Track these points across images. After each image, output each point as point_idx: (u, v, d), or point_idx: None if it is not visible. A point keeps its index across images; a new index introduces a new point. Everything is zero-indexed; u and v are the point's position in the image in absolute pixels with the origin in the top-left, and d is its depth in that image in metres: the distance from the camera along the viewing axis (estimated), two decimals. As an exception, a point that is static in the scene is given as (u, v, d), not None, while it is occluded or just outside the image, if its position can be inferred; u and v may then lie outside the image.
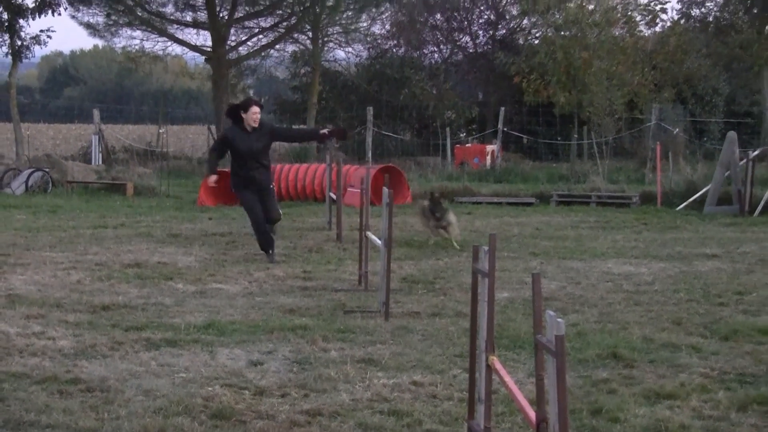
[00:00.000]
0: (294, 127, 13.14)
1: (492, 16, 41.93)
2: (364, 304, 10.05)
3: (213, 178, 13.39)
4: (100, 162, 30.00)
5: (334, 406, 6.50)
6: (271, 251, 12.88)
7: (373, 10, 36.36)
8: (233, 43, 36.40)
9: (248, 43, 37.21)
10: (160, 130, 36.77)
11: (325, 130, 13.56)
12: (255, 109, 12.70)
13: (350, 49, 40.65)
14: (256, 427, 6.09)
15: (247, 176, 12.76)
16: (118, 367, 7.47)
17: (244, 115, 12.67)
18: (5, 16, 31.03)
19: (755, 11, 31.03)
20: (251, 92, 44.40)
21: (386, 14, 39.41)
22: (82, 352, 7.90)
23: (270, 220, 12.96)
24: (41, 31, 32.04)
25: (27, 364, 7.53)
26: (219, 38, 34.67)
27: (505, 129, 32.63)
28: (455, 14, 41.80)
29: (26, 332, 8.61)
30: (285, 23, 35.81)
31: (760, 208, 19.91)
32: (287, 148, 33.15)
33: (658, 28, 35.73)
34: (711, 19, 32.96)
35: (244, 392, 6.82)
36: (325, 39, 36.76)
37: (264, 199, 12.84)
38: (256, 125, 12.67)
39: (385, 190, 9.62)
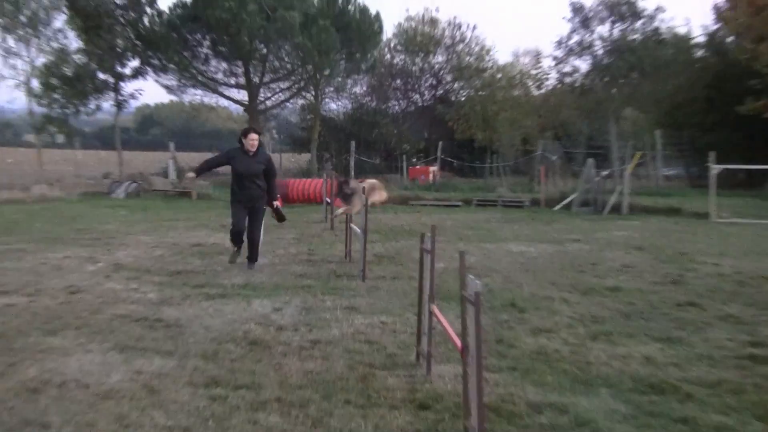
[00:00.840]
0: (275, 176, 8.78)
1: (434, 81, 41.89)
2: (348, 271, 10.09)
3: (191, 175, 10.10)
4: (174, 177, 29.79)
5: (329, 337, 6.56)
6: (237, 249, 10.36)
7: (355, 76, 36.20)
8: (262, 99, 36.14)
9: (272, 98, 37.00)
10: (214, 156, 36.46)
11: (275, 203, 10.46)
12: (253, 135, 10.20)
13: (339, 103, 40.60)
14: (278, 351, 6.14)
15: (242, 193, 10.14)
16: (187, 311, 7.50)
17: (243, 140, 10.15)
18: (111, 80, 30.76)
19: (606, 80, 31.11)
20: (274, 132, 44.20)
21: (364, 79, 39.25)
22: (163, 302, 7.93)
23: (249, 239, 10.30)
24: (135, 90, 31.87)
25: (128, 309, 7.56)
26: (252, 95, 34.44)
27: (442, 156, 32.66)
28: (409, 79, 41.74)
29: (127, 288, 8.64)
30: (296, 85, 35.60)
31: (607, 209, 20.08)
32: (297, 168, 33.12)
33: (543, 90, 35.80)
34: (578, 84, 32.93)
35: (270, 328, 6.86)
36: (323, 96, 36.59)
37: (252, 217, 10.26)
38: (254, 149, 10.11)
39: (363, 197, 9.64)
